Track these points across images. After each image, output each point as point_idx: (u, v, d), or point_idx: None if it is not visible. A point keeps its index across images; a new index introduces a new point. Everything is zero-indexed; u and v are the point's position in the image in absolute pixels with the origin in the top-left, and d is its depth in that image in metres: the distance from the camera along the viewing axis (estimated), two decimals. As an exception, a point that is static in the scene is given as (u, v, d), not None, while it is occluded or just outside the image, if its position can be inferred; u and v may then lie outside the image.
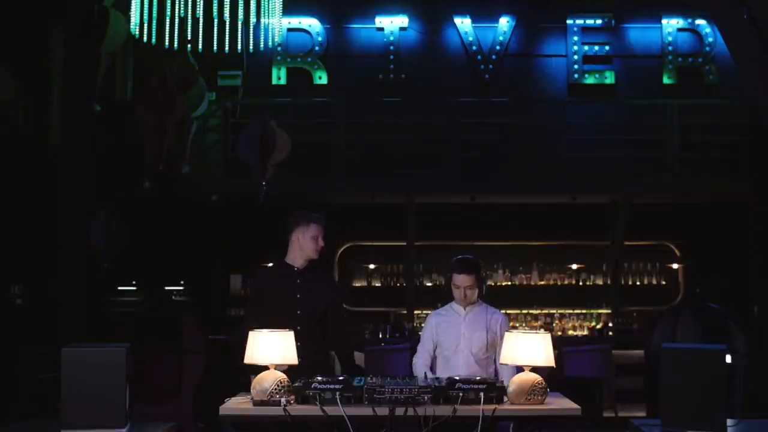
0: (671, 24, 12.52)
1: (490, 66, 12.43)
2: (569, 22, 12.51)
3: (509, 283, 12.34)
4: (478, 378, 4.52)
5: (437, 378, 4.63)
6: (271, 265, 5.60)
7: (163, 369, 6.89)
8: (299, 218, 5.33)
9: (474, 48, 12.46)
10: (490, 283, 12.10)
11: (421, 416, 4.25)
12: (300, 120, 11.22)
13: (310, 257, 5.31)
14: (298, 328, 5.04)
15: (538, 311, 12.10)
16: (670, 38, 12.49)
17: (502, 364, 4.87)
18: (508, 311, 11.99)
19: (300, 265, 5.32)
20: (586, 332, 11.82)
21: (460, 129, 11.41)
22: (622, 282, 12.06)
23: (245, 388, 4.65)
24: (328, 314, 5.30)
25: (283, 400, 4.33)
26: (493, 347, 5.15)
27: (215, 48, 8.36)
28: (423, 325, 5.50)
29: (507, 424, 4.87)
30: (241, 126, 10.67)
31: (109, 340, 5.88)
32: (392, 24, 12.52)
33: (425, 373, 4.94)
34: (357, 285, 12.58)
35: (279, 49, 12.10)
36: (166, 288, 11.45)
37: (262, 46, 7.92)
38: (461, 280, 5.14)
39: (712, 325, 7.68)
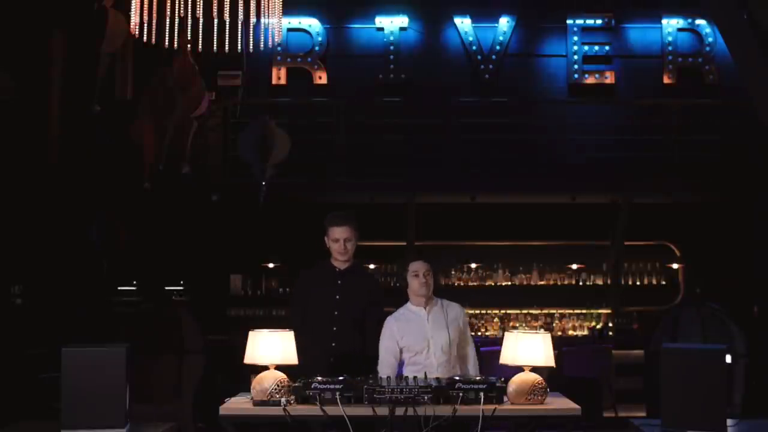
0: (671, 24, 12.52)
1: (490, 66, 12.44)
2: (569, 22, 12.52)
3: (509, 283, 12.31)
4: (478, 378, 4.52)
5: (437, 378, 4.63)
6: (315, 266, 5.44)
7: (163, 369, 6.89)
8: (325, 223, 5.29)
9: (474, 48, 12.46)
10: (489, 283, 12.19)
11: (421, 416, 4.25)
12: (300, 120, 11.22)
13: (338, 259, 5.26)
14: (335, 328, 5.05)
15: (538, 311, 12.07)
16: (670, 38, 12.50)
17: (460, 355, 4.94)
18: (508, 311, 12.00)
19: (341, 267, 5.29)
20: (586, 332, 11.80)
21: (460, 129, 11.40)
22: (622, 282, 12.03)
23: (246, 388, 4.66)
24: (366, 317, 5.18)
25: (283, 400, 4.33)
26: (458, 340, 5.03)
27: (215, 48, 8.35)
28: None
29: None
30: (241, 126, 10.66)
31: (109, 340, 5.89)
32: (392, 24, 12.52)
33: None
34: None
35: (279, 49, 12.10)
36: (166, 288, 11.45)
37: (262, 46, 7.91)
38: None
39: (712, 325, 7.69)
